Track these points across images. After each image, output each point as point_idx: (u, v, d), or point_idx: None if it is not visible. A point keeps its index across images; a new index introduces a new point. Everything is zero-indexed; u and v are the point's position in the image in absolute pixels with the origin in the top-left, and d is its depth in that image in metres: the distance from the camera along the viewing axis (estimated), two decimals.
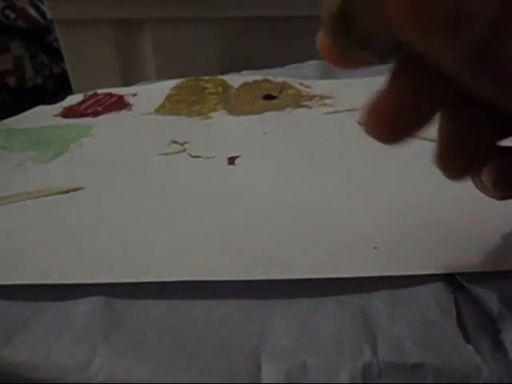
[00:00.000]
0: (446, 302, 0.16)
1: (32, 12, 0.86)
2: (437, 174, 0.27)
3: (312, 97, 0.41)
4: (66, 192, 0.24)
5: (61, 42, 0.57)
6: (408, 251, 0.18)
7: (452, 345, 0.14)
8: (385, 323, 0.15)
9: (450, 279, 0.17)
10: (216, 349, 0.15)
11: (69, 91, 0.55)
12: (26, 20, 0.85)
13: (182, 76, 0.47)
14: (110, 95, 0.43)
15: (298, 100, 0.40)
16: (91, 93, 0.44)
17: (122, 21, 0.55)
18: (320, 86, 0.43)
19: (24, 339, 0.15)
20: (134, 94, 0.43)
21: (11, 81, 0.84)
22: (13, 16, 0.83)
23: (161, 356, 0.14)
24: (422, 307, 0.16)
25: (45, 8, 0.57)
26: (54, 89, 0.91)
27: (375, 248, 0.18)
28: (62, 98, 0.43)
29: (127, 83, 0.50)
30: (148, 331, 0.15)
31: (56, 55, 0.85)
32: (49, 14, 0.56)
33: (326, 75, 0.48)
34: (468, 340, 0.15)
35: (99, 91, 0.45)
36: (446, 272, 0.17)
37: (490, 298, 0.16)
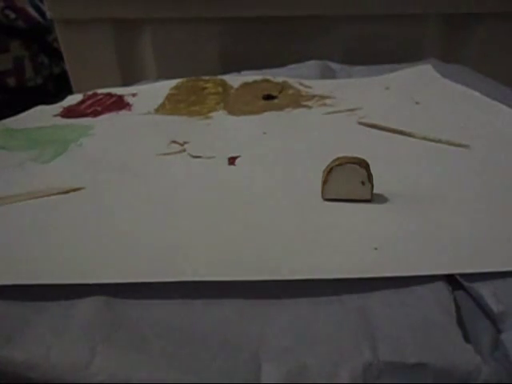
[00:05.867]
0: (446, 302, 0.16)
1: (32, 12, 0.86)
2: (438, 173, 0.27)
3: (312, 97, 0.41)
4: (66, 192, 0.24)
5: (61, 42, 0.57)
6: (408, 251, 0.18)
7: (452, 345, 0.14)
8: (385, 323, 0.15)
9: (450, 279, 0.17)
10: (216, 349, 0.15)
11: (69, 91, 0.55)
12: (26, 20, 0.84)
13: (181, 76, 0.47)
14: (110, 95, 0.43)
15: (298, 100, 0.40)
16: (91, 93, 0.44)
17: (122, 21, 0.55)
18: (320, 86, 0.43)
19: (24, 339, 0.15)
20: (134, 94, 0.43)
21: (11, 81, 0.84)
22: (13, 16, 0.83)
23: (161, 356, 0.14)
24: (421, 307, 0.16)
25: (45, 8, 0.57)
26: (54, 89, 0.91)
27: (375, 249, 0.19)
28: (62, 98, 0.43)
29: (127, 83, 0.50)
30: (148, 331, 0.15)
31: (56, 55, 0.85)
32: (49, 14, 0.56)
33: (326, 75, 0.48)
34: (468, 340, 0.15)
35: (99, 91, 0.45)
36: (446, 272, 0.17)
37: (490, 298, 0.16)
